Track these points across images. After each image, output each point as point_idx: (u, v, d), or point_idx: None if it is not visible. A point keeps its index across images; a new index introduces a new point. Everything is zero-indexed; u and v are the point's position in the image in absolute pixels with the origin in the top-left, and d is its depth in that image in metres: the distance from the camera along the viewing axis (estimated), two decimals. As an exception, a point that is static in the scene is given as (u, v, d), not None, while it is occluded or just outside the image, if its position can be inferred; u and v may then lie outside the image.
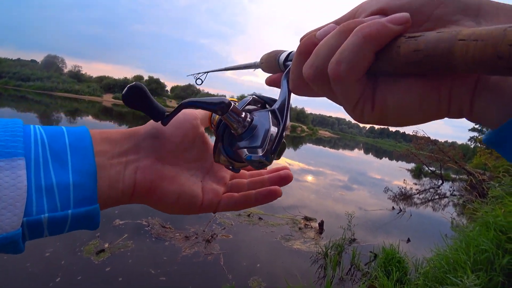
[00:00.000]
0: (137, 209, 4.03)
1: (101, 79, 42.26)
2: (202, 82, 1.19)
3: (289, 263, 3.30)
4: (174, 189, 0.33)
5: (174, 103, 41.81)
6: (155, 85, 43.17)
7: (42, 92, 30.65)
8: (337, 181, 9.04)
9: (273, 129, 0.29)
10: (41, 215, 0.23)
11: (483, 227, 2.74)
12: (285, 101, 0.32)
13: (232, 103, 0.29)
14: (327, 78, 0.22)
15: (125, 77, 42.36)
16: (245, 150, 0.29)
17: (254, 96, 0.36)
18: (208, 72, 0.91)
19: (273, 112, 0.31)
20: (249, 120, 0.31)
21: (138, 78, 42.83)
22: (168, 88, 49.79)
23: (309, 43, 0.25)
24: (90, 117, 16.69)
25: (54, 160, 0.25)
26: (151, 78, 44.05)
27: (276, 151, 0.28)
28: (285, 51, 0.36)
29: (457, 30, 0.17)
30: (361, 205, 6.42)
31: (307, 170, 10.16)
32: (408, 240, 4.35)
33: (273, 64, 0.38)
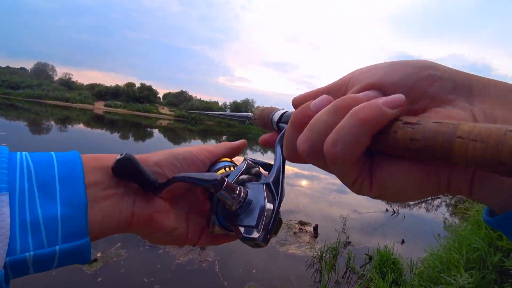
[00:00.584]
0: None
1: (92, 86, 41.78)
2: (195, 123, 1.25)
3: (285, 268, 3.29)
4: (168, 222, 0.33)
5: (166, 110, 41.55)
6: (147, 92, 42.82)
7: (32, 100, 30.16)
8: (331, 184, 9.07)
9: (269, 206, 0.29)
10: (25, 253, 0.22)
11: (474, 225, 2.79)
12: (280, 172, 0.31)
13: (226, 180, 0.28)
14: (322, 154, 0.22)
15: (117, 84, 41.93)
16: (241, 228, 0.28)
17: (247, 161, 0.36)
18: (201, 113, 1.06)
19: (267, 185, 0.31)
20: (244, 195, 0.29)
21: (130, 85, 42.45)
22: (161, 95, 49.47)
23: (303, 115, 0.24)
24: (81, 125, 16.46)
25: (41, 192, 0.24)
26: (143, 85, 43.69)
27: (272, 230, 0.28)
28: (278, 110, 0.36)
29: (455, 124, 0.17)
30: (355, 208, 6.45)
31: (301, 174, 10.18)
32: (403, 242, 4.38)
33: (267, 121, 0.37)
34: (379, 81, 0.23)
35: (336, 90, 0.27)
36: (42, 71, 41.50)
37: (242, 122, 0.50)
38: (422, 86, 0.22)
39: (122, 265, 2.84)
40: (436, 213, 7.07)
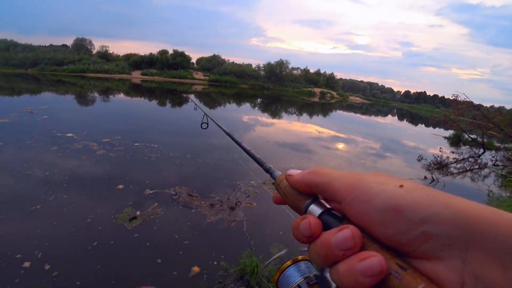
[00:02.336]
0: (166, 178, 4.22)
1: (128, 56, 43.02)
2: (208, 126, 1.22)
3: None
4: None
5: (200, 75, 41.89)
6: (180, 58, 43.08)
7: (75, 74, 32.17)
8: (369, 149, 8.74)
9: None
10: None
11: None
12: None
13: None
14: None
15: (151, 53, 42.60)
16: None
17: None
18: (215, 121, 1.00)
19: None
20: None
21: (164, 52, 42.95)
22: (194, 60, 49.63)
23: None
24: (121, 95, 17.36)
25: None
26: (176, 51, 43.92)
27: None
28: (313, 201, 0.33)
29: None
30: (393, 174, 6.17)
31: (338, 137, 9.90)
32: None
33: (295, 201, 0.35)
34: (374, 228, 0.25)
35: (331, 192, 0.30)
36: (81, 46, 43.37)
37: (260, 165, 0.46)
38: (415, 243, 0.22)
39: (157, 223, 3.08)
40: (480, 184, 6.52)
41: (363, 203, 0.26)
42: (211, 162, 5.23)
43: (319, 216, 0.30)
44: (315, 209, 0.31)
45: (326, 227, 0.28)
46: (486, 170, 8.36)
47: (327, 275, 0.40)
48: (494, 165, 9.17)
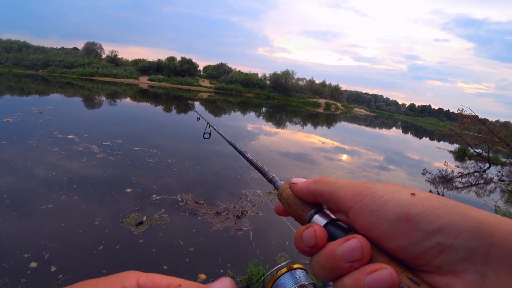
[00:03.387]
0: (173, 184, 4.25)
1: (136, 62, 43.75)
2: (210, 136, 1.26)
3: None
4: None
5: (207, 83, 42.34)
6: (188, 65, 43.67)
7: (84, 77, 32.74)
8: (372, 161, 8.71)
9: None
10: None
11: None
12: None
13: None
14: None
15: (159, 59, 43.32)
16: None
17: None
18: (218, 132, 1.03)
19: None
20: None
21: (171, 59, 43.57)
22: (201, 67, 50.26)
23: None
24: (128, 99, 17.58)
25: None
26: (183, 58, 44.56)
27: None
28: (318, 211, 0.31)
29: None
30: (397, 187, 6.16)
31: (342, 148, 9.90)
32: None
33: (299, 211, 0.33)
34: (383, 240, 0.23)
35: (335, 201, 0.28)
36: (91, 50, 44.33)
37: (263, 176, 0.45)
38: (428, 256, 0.20)
39: (163, 229, 3.10)
40: (486, 199, 6.47)
41: (372, 212, 0.24)
42: (217, 170, 5.26)
43: (324, 226, 0.28)
44: (320, 220, 0.29)
45: (331, 238, 0.27)
46: (492, 185, 8.29)
47: None
48: (500, 180, 9.09)
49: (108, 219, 3.10)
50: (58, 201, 3.38)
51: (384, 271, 0.20)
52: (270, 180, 0.43)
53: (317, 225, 0.28)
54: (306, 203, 0.32)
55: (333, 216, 0.29)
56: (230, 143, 0.79)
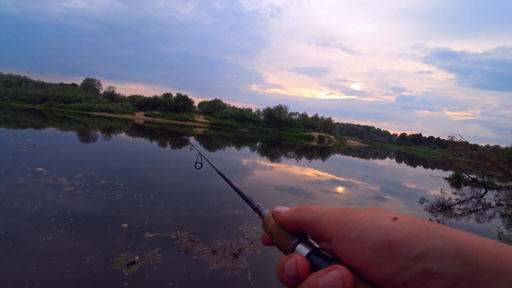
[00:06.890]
0: (166, 222, 4.12)
1: (133, 98, 44.72)
2: (201, 166, 1.32)
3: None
4: None
5: (201, 118, 43.03)
6: (183, 102, 44.65)
7: (81, 112, 33.13)
8: (369, 191, 8.66)
9: None
10: None
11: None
12: None
13: None
14: None
15: (155, 95, 44.37)
16: None
17: None
18: (208, 161, 1.09)
19: None
20: None
21: (167, 95, 44.65)
22: (196, 103, 51.40)
23: None
24: (123, 134, 17.63)
25: None
26: (179, 95, 45.70)
27: None
28: (301, 240, 0.30)
29: None
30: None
31: (337, 181, 9.86)
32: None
33: (282, 241, 0.32)
34: (367, 268, 0.22)
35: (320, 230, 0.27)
36: (89, 86, 45.50)
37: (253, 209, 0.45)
38: (414, 284, 0.19)
39: (155, 269, 2.94)
40: (488, 225, 6.39)
41: (354, 240, 0.23)
42: (211, 206, 5.16)
43: (307, 256, 0.27)
44: (303, 249, 0.28)
45: (314, 268, 0.26)
46: (491, 210, 8.22)
47: None
48: (498, 204, 9.05)
49: (100, 257, 2.95)
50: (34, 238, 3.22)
51: None
52: (256, 209, 0.42)
53: (298, 255, 0.27)
54: (289, 232, 0.31)
55: (316, 245, 0.28)
56: (219, 172, 0.81)
